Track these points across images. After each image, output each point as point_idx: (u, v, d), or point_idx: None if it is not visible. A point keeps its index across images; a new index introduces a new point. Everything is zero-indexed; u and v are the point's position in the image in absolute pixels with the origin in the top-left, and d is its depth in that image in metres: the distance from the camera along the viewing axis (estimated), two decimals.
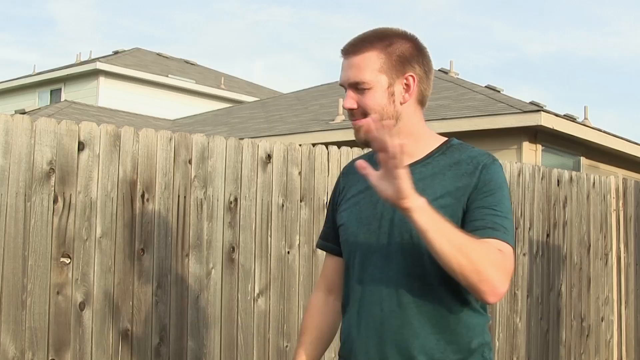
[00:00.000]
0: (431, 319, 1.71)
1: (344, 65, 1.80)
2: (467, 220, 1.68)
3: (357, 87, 1.76)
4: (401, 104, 1.77)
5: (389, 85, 1.75)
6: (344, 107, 1.81)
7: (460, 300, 1.74)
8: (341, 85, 1.82)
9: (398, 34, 1.79)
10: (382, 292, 1.74)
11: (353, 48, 1.78)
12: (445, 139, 1.84)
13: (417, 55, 1.78)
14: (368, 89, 1.75)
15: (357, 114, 1.77)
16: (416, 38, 1.81)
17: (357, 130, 1.78)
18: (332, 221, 1.95)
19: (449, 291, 1.71)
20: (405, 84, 1.77)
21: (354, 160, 1.87)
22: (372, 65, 1.75)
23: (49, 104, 17.19)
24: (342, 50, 1.80)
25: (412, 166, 1.73)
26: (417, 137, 1.80)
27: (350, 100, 1.77)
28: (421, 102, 1.81)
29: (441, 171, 1.75)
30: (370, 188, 1.66)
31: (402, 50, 1.77)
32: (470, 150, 1.79)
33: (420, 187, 1.63)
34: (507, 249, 1.64)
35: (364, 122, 1.75)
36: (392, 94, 1.76)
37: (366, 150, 2.74)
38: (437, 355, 1.70)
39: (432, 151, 1.79)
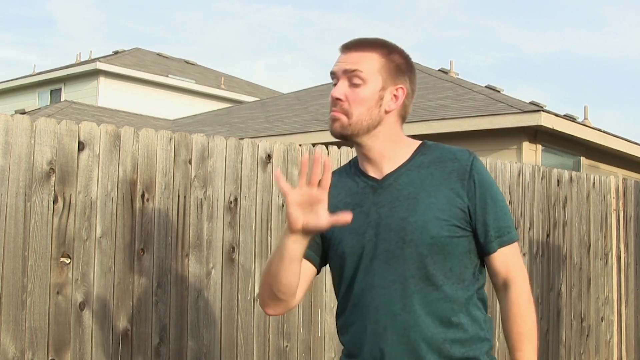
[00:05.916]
0: (437, 318, 1.73)
1: (341, 57, 1.79)
2: (481, 229, 1.77)
3: (351, 78, 1.76)
4: (386, 112, 1.79)
5: (381, 88, 1.77)
6: (332, 96, 1.77)
7: (466, 297, 1.76)
8: (333, 73, 1.79)
9: (397, 47, 1.83)
10: (383, 297, 1.74)
11: (356, 45, 1.79)
12: (420, 142, 1.87)
13: (411, 72, 1.83)
14: (362, 83, 1.75)
15: (341, 107, 1.76)
16: (410, 57, 1.85)
17: (333, 121, 1.78)
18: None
19: (454, 289, 1.74)
20: (394, 95, 1.79)
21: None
22: (371, 63, 1.77)
23: (49, 104, 17.20)
24: (343, 45, 1.80)
25: (399, 170, 1.78)
26: (395, 142, 1.82)
27: (340, 90, 1.76)
28: (403, 117, 1.84)
29: (428, 170, 1.78)
30: (357, 197, 1.78)
31: (400, 62, 1.81)
32: (447, 148, 1.83)
33: (412, 191, 1.74)
34: (514, 250, 1.81)
35: (339, 116, 1.75)
36: (381, 98, 1.77)
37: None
38: (444, 353, 1.72)
39: (412, 154, 1.82)
